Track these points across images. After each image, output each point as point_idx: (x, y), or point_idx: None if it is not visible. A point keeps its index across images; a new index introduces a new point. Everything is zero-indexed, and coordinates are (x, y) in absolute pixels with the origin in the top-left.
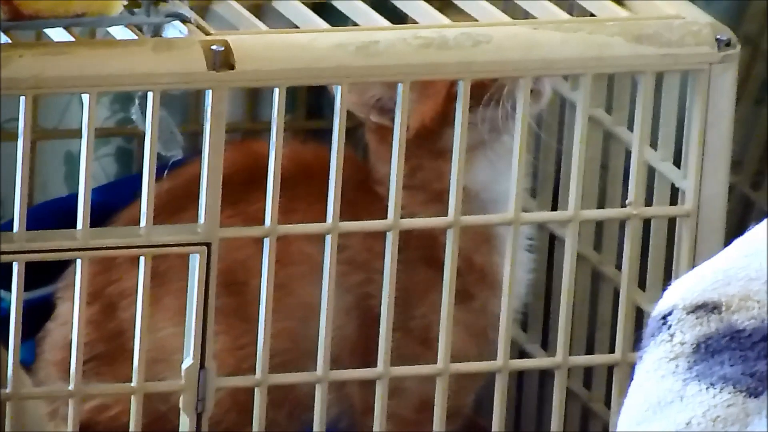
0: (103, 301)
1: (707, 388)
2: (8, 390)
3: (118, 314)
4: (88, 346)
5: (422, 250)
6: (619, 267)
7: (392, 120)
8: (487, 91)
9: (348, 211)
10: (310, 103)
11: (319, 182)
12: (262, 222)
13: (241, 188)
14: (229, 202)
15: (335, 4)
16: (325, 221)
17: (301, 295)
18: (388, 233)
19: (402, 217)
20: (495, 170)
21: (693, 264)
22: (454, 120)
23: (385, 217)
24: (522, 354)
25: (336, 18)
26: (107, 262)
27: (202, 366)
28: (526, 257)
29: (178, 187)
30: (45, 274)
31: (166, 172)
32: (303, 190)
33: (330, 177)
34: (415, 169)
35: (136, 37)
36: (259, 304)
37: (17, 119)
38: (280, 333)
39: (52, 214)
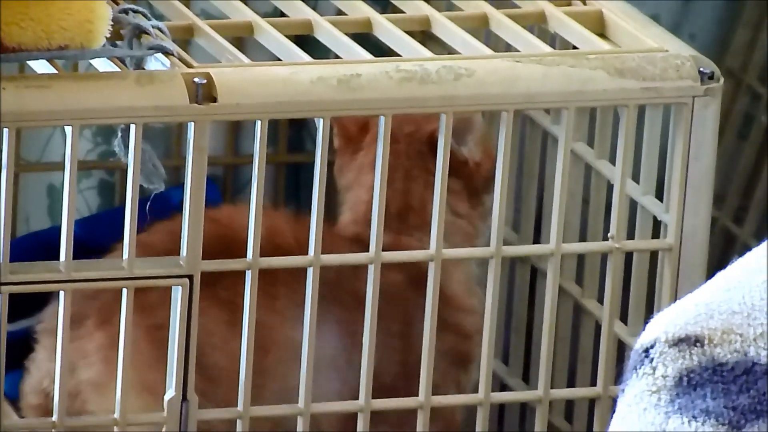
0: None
1: (689, 422)
2: None
3: (77, 374)
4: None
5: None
6: (600, 300)
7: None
8: None
9: (329, 283)
10: (292, 136)
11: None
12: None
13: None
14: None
15: (317, 36)
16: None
17: (286, 380)
18: (370, 266)
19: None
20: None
21: (675, 297)
22: None
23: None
24: (503, 387)
25: (318, 50)
26: (76, 318)
27: (184, 398)
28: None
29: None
30: (29, 305)
31: (148, 206)
32: (283, 274)
33: (312, 209)
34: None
35: (118, 70)
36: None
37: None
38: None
39: (35, 247)
